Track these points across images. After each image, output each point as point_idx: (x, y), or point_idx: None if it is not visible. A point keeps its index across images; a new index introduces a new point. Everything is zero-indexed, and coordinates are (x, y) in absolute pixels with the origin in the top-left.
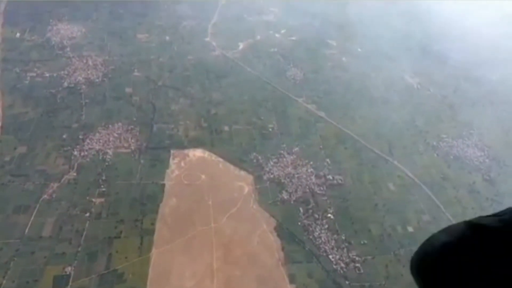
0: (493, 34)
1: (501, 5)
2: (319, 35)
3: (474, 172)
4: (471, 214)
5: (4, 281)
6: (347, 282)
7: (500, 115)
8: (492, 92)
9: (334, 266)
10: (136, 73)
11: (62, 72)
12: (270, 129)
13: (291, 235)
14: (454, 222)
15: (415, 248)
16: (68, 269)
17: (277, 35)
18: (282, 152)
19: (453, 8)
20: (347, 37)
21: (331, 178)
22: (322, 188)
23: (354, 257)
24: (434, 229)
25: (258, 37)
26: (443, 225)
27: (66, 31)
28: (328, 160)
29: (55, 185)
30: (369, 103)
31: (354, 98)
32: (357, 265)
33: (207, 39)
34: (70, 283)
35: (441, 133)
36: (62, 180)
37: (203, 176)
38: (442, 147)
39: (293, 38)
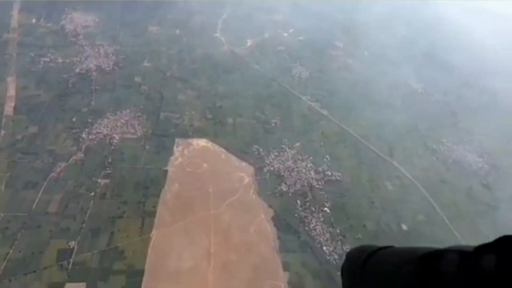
0: (498, 45)
1: (507, 17)
2: (326, 37)
3: (472, 176)
4: (465, 217)
5: (11, 251)
6: (338, 273)
7: (501, 124)
8: (494, 101)
9: (328, 257)
10: (146, 64)
11: (74, 58)
12: (273, 124)
13: (287, 225)
14: (448, 223)
15: (408, 245)
16: (72, 243)
17: (285, 34)
18: (283, 146)
19: (460, 18)
20: (354, 40)
21: (329, 174)
22: (320, 183)
23: (348, 250)
24: (428, 228)
25: (266, 35)
26: (437, 225)
27: (80, 19)
28: (328, 156)
29: (62, 165)
30: (372, 105)
31: (357, 99)
32: None
33: (216, 34)
34: (73, 256)
35: (441, 138)
36: (70, 160)
37: (205, 165)
38: (442, 151)
39: (301, 38)
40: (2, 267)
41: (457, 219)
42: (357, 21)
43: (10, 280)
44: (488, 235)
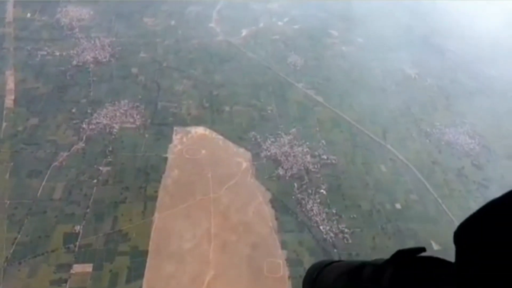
0: (494, 31)
1: (503, 4)
2: (321, 25)
3: (463, 157)
4: (457, 196)
5: (19, 236)
6: (335, 250)
7: (494, 107)
8: (487, 85)
9: (324, 236)
10: (142, 55)
11: (71, 51)
12: (269, 111)
13: (285, 207)
14: (440, 202)
15: (402, 224)
16: (77, 228)
17: (280, 23)
18: (279, 132)
19: (456, 5)
20: (349, 28)
21: (325, 157)
22: (316, 166)
23: (344, 228)
24: (420, 207)
25: (261, 24)
26: (430, 203)
27: (75, 13)
28: (323, 141)
29: (64, 154)
30: (366, 91)
31: (352, 85)
32: (346, 235)
33: (212, 25)
34: (79, 239)
35: (434, 121)
36: (72, 150)
37: (203, 151)
38: (435, 133)
39: (296, 27)
40: (11, 251)
41: (449, 198)
42: (352, 9)
43: (20, 263)
44: None
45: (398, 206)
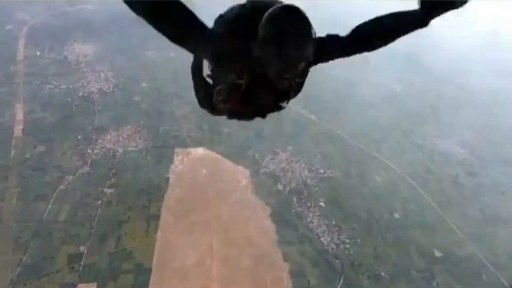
0: (469, 46)
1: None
2: None
3: (457, 166)
4: (453, 203)
5: (24, 257)
6: (337, 261)
7: (479, 116)
8: (471, 97)
9: (326, 247)
10: (143, 85)
11: (77, 84)
12: (266, 131)
13: (285, 220)
14: (437, 209)
15: (401, 232)
16: (82, 248)
17: None
18: (277, 150)
19: (439, 23)
20: None
21: (322, 171)
22: (314, 180)
23: (344, 239)
24: (418, 215)
25: None
26: (427, 211)
27: (81, 49)
28: (319, 156)
29: (70, 178)
30: (356, 107)
31: (342, 103)
32: (347, 246)
33: None
34: (83, 260)
35: (425, 133)
36: (77, 174)
37: (204, 170)
38: (427, 145)
39: None
40: (17, 273)
41: (446, 205)
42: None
43: (25, 284)
44: (476, 218)
45: (396, 215)
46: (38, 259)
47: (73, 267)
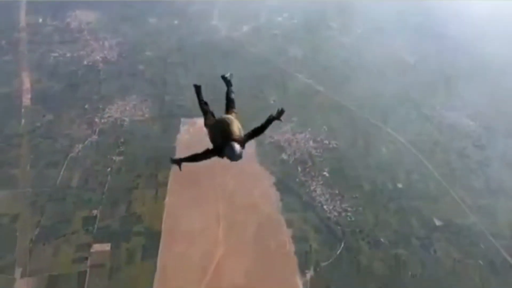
0: (490, 13)
1: None
2: (320, 18)
3: (465, 138)
4: (458, 174)
5: (42, 219)
6: (339, 227)
7: (492, 87)
8: (486, 66)
9: (328, 215)
10: (147, 53)
11: (81, 52)
12: (272, 102)
13: (289, 188)
14: (441, 180)
15: (404, 202)
16: (95, 212)
17: (279, 18)
18: (282, 120)
19: None
20: (347, 19)
21: (327, 142)
22: (319, 151)
23: (347, 207)
24: (422, 186)
25: (262, 20)
26: (431, 182)
27: (83, 16)
28: (325, 127)
29: (80, 146)
30: (366, 78)
31: (351, 73)
32: (349, 214)
33: (214, 22)
34: (97, 222)
35: (435, 105)
36: (86, 142)
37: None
38: (435, 116)
39: (295, 21)
40: (36, 233)
41: (450, 176)
42: (350, 1)
43: (43, 244)
44: (480, 190)
45: (399, 185)
46: (54, 221)
47: (87, 229)
